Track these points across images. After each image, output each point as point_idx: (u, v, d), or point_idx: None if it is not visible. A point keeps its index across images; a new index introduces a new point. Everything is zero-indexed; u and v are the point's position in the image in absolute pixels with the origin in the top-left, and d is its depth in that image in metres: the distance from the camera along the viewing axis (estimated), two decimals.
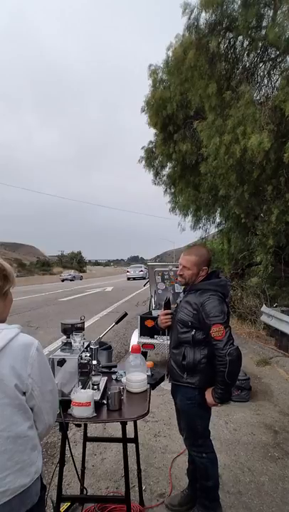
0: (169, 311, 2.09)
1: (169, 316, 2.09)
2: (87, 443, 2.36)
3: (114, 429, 3.07)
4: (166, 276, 5.02)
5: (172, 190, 10.02)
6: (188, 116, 7.80)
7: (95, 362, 1.84)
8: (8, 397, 1.03)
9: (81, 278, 42.31)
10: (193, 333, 1.90)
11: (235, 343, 1.81)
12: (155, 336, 4.60)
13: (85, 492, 2.19)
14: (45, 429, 1.19)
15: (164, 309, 2.12)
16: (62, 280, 38.05)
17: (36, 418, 1.14)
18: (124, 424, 1.68)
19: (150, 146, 9.79)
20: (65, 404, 1.55)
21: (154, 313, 5.02)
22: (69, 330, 1.82)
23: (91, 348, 1.85)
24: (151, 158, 9.89)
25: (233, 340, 1.81)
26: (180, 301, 2.06)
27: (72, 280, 38.20)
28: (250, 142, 5.23)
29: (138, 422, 2.14)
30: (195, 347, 1.91)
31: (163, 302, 2.17)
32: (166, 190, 10.19)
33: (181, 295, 2.11)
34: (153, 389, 1.97)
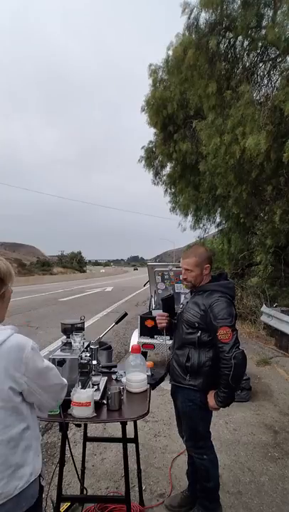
0: (165, 314, 2.10)
1: (164, 318, 2.09)
2: (87, 443, 2.35)
3: (114, 429, 3.07)
4: (166, 276, 5.02)
5: (172, 190, 10.04)
6: (188, 115, 7.81)
7: (95, 362, 1.84)
8: (1, 400, 1.02)
9: None
10: (198, 334, 1.88)
11: (241, 347, 1.80)
12: (155, 336, 4.59)
13: (85, 492, 2.19)
14: (48, 409, 1.29)
15: (163, 307, 2.12)
16: None
17: (41, 407, 1.20)
18: (124, 424, 1.67)
19: (150, 145, 9.80)
20: (65, 404, 1.55)
21: (154, 313, 5.01)
22: (69, 330, 1.81)
23: (91, 348, 1.84)
24: (151, 158, 9.90)
25: (239, 343, 1.79)
26: (186, 302, 2.04)
27: None
28: (248, 143, 5.24)
29: (138, 422, 2.13)
30: (200, 349, 1.89)
31: (162, 298, 2.15)
32: (166, 190, 10.22)
33: (188, 296, 2.10)
34: (153, 389, 1.96)
